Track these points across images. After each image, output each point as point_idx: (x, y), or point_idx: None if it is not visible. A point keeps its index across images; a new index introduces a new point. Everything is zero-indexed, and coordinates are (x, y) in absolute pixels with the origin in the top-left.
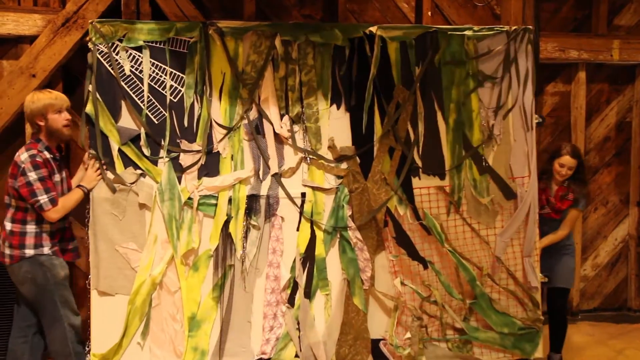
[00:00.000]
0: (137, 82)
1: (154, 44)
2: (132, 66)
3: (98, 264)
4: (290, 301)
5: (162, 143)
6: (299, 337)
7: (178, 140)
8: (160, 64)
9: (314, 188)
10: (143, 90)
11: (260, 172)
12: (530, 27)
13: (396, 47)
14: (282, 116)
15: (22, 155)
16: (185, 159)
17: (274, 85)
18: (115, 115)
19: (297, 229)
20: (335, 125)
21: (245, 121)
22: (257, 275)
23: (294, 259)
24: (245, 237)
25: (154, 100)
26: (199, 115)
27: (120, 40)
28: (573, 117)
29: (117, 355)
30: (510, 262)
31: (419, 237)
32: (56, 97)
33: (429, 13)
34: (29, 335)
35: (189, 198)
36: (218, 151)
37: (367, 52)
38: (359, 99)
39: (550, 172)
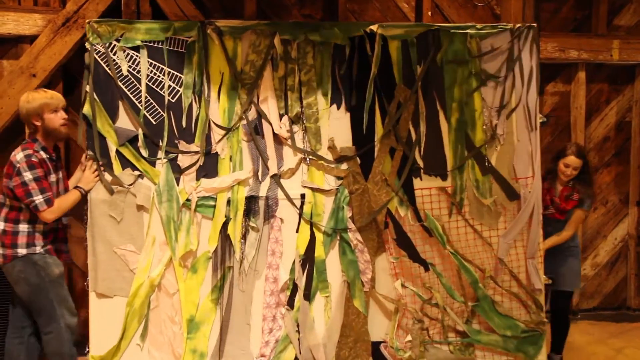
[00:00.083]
0: (135, 82)
1: (151, 44)
2: (129, 66)
3: (96, 266)
4: (290, 303)
5: (160, 144)
6: (298, 339)
7: (176, 141)
8: (158, 64)
9: (313, 189)
10: (141, 91)
11: (259, 173)
12: (534, 24)
13: (397, 45)
14: (281, 116)
15: (18, 155)
16: (183, 160)
17: (273, 85)
18: (113, 116)
19: (297, 231)
20: (335, 125)
21: (244, 121)
22: (256, 277)
23: (294, 261)
24: (244, 238)
25: (151, 100)
26: (197, 116)
27: (118, 40)
28: (573, 117)
29: (115, 357)
30: (514, 264)
31: (420, 238)
32: (52, 96)
33: (429, 13)
34: (24, 337)
35: (187, 199)
36: (216, 152)
37: (368, 51)
38: (360, 99)
39: (555, 172)
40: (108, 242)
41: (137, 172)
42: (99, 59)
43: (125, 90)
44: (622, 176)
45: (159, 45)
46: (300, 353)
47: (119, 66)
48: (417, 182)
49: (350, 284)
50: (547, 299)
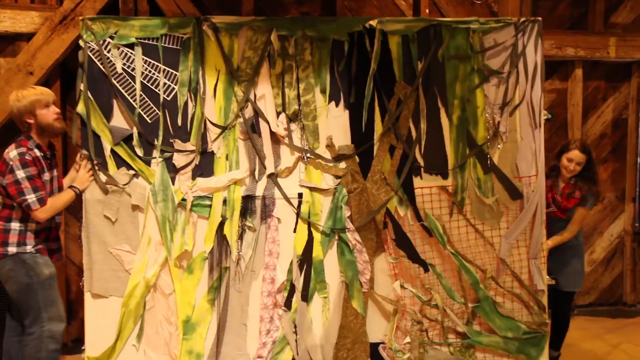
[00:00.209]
0: (130, 80)
1: (146, 41)
2: (124, 64)
3: (91, 266)
4: (287, 304)
5: (155, 143)
6: (295, 340)
7: (171, 140)
8: (153, 62)
9: (311, 188)
10: (135, 89)
11: (256, 172)
12: (539, 18)
13: (397, 41)
14: (278, 114)
15: (11, 153)
16: (178, 159)
17: (270, 82)
18: (108, 114)
19: (294, 231)
20: (333, 123)
21: (241, 120)
22: (253, 277)
23: (291, 261)
24: (241, 239)
25: (146, 98)
26: (193, 114)
27: (112, 38)
28: (570, 114)
29: (111, 357)
30: (516, 265)
31: (420, 239)
32: (42, 92)
33: (427, 10)
34: (22, 335)
35: (183, 199)
36: (212, 151)
37: (367, 47)
38: (359, 96)
39: (557, 169)
40: (103, 242)
41: (132, 172)
42: (93, 57)
43: (120, 88)
44: (618, 173)
45: (154, 43)
46: (297, 354)
47: (114, 64)
48: (417, 181)
49: (349, 284)
50: (549, 299)
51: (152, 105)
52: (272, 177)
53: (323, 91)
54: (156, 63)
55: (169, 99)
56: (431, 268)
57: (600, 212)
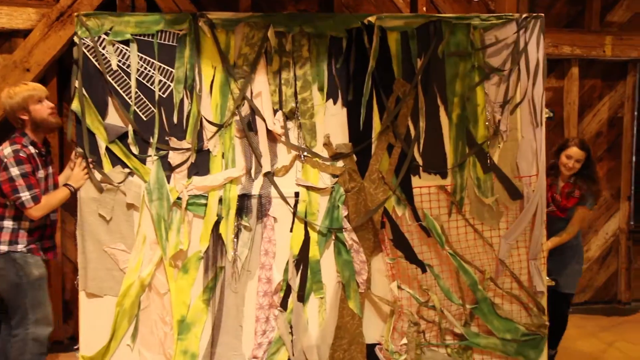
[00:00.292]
0: (125, 77)
1: (142, 37)
2: (119, 61)
3: (86, 265)
4: (283, 304)
5: (151, 141)
6: (291, 341)
7: (167, 138)
8: (148, 58)
9: (308, 187)
10: (131, 86)
11: (252, 171)
12: (542, 14)
13: (396, 37)
14: (275, 112)
15: (5, 150)
16: (174, 158)
17: (267, 79)
18: (103, 112)
19: (291, 230)
20: (331, 121)
21: (237, 117)
22: (249, 277)
23: (287, 261)
24: (237, 238)
25: (142, 96)
26: (189, 112)
27: (107, 34)
28: (566, 113)
29: (105, 357)
30: (515, 266)
31: (418, 239)
32: (34, 87)
33: (424, 8)
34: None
35: (178, 198)
36: (208, 149)
37: (366, 44)
38: (357, 94)
39: (557, 167)
40: (98, 241)
41: (127, 170)
42: (87, 54)
43: (115, 85)
44: (613, 171)
45: (150, 39)
46: (293, 355)
47: (109, 61)
48: (415, 180)
49: (345, 285)
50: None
51: (147, 102)
52: (269, 175)
53: (320, 89)
54: (152, 60)
55: (164, 96)
56: (429, 269)
57: (595, 210)
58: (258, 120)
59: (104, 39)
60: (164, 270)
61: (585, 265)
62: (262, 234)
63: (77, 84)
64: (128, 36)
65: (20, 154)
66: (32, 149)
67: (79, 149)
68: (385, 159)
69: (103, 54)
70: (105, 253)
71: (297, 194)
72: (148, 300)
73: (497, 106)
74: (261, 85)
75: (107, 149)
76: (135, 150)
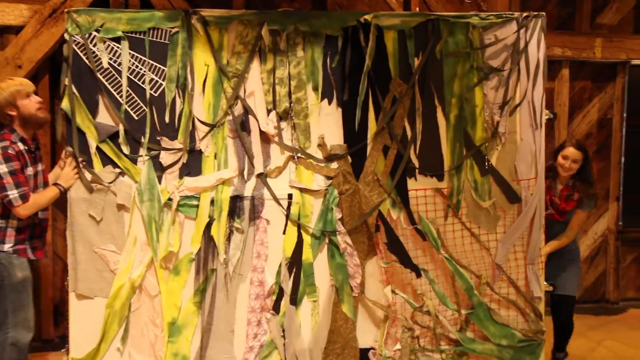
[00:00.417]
0: (116, 75)
1: (133, 35)
2: (110, 58)
3: (76, 266)
4: (276, 308)
5: (142, 140)
6: (284, 344)
7: (158, 138)
8: (140, 56)
9: (301, 189)
10: (122, 84)
11: (245, 172)
12: (543, 13)
13: (393, 36)
14: (269, 112)
15: None
16: (165, 158)
17: (261, 78)
18: (93, 111)
19: (283, 233)
20: (325, 121)
21: (230, 117)
22: (241, 280)
23: (280, 264)
24: (229, 240)
25: (133, 94)
26: (181, 111)
27: (98, 31)
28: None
29: (95, 359)
30: (512, 270)
31: (413, 243)
32: (21, 82)
33: (417, 9)
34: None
35: (169, 199)
36: (200, 149)
37: (362, 43)
38: (352, 94)
39: (554, 169)
40: (88, 242)
41: (117, 170)
42: (78, 51)
43: (106, 83)
44: (602, 172)
45: (141, 36)
46: (285, 359)
47: (99, 58)
48: (411, 183)
49: (339, 288)
50: (551, 305)
51: (138, 101)
52: (262, 177)
53: (315, 88)
54: (143, 58)
55: (156, 95)
56: (424, 273)
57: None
58: (251, 120)
59: (94, 36)
60: (154, 272)
61: None
62: (255, 236)
63: (67, 82)
64: (119, 33)
65: (9, 151)
66: (21, 146)
67: (69, 148)
68: (380, 161)
69: (94, 52)
70: (96, 254)
71: (290, 196)
72: (139, 302)
73: (496, 107)
74: (255, 84)
75: (98, 148)
76: (126, 150)
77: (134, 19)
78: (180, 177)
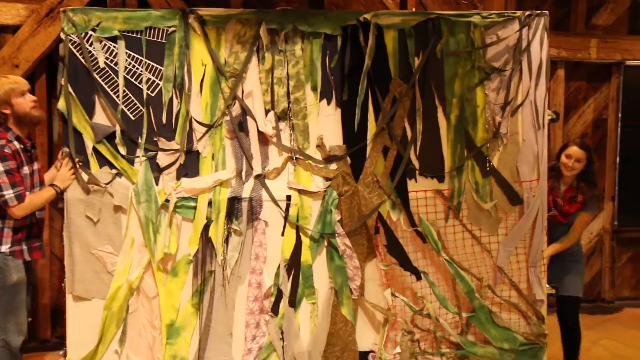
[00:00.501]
0: (112, 75)
1: (130, 34)
2: (106, 58)
3: (73, 267)
4: (274, 310)
5: (139, 141)
6: (282, 347)
7: (155, 138)
8: (136, 56)
9: (300, 191)
10: (118, 84)
11: (243, 173)
12: (546, 12)
13: (394, 36)
14: (267, 112)
15: None
16: (163, 159)
17: (259, 78)
18: (90, 111)
19: (282, 234)
20: (324, 122)
21: (228, 118)
22: (239, 282)
23: (278, 266)
24: (226, 242)
25: (130, 94)
26: (178, 111)
27: (94, 30)
28: None
29: None
30: (514, 273)
31: (413, 245)
32: (15, 80)
33: (413, 9)
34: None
35: (167, 200)
36: (198, 150)
37: (361, 42)
38: (352, 94)
39: (558, 169)
40: (85, 243)
41: (114, 171)
42: (74, 50)
43: (102, 83)
44: (598, 172)
45: (138, 36)
46: None
47: (96, 58)
48: (411, 184)
49: (338, 291)
50: (558, 311)
51: (135, 101)
52: (260, 178)
53: (314, 88)
54: (140, 57)
55: (153, 95)
56: (424, 276)
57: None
58: (249, 120)
59: (91, 35)
60: (152, 274)
61: None
62: (253, 238)
63: (63, 81)
64: (115, 32)
65: (5, 150)
66: (17, 144)
67: (66, 149)
68: (380, 162)
69: (90, 51)
70: (93, 255)
71: (288, 198)
72: (136, 303)
73: (498, 107)
74: (253, 84)
75: (95, 149)
76: (123, 150)
77: (130, 18)
78: (178, 178)
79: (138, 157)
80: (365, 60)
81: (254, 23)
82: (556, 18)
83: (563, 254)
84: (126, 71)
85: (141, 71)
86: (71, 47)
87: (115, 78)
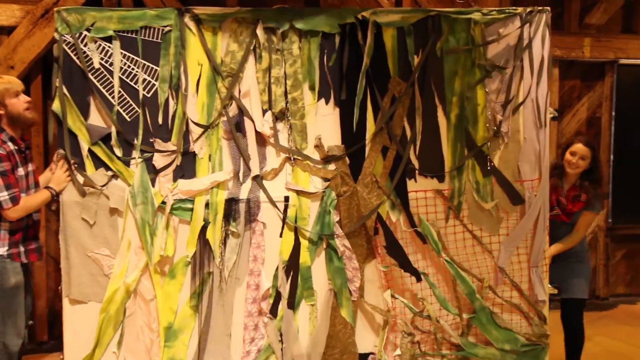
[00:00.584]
0: (108, 75)
1: (125, 34)
2: (101, 58)
3: (69, 270)
4: (273, 311)
5: (135, 142)
6: (281, 349)
7: (152, 140)
8: (132, 56)
9: (298, 192)
10: (114, 85)
11: (240, 174)
12: (547, 7)
13: (392, 33)
14: (264, 112)
15: None
16: (159, 160)
17: (256, 78)
18: (85, 112)
19: (280, 236)
20: (323, 122)
21: (224, 118)
22: (237, 284)
23: (277, 268)
24: (224, 244)
25: (125, 95)
26: (174, 112)
27: (89, 30)
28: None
29: None
30: (515, 273)
31: (413, 246)
32: (9, 81)
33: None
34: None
35: (163, 202)
36: (194, 151)
37: (360, 40)
38: (350, 93)
39: (561, 167)
40: (81, 246)
41: (110, 173)
42: (69, 51)
43: (97, 84)
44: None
45: (133, 36)
46: None
47: (90, 58)
48: (411, 184)
49: (337, 292)
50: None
51: (131, 102)
52: (257, 179)
53: (312, 88)
54: (135, 57)
55: (149, 96)
56: (424, 277)
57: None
58: (246, 121)
59: (85, 35)
60: (149, 276)
61: None
62: (251, 240)
63: (57, 82)
64: (110, 32)
65: (0, 151)
66: (11, 146)
67: (61, 151)
68: (379, 162)
69: (84, 52)
70: (89, 258)
71: (287, 199)
72: (134, 306)
73: (499, 106)
74: (250, 84)
75: (90, 150)
76: (118, 152)
77: (125, 18)
78: (174, 179)
79: (134, 158)
80: (364, 58)
81: (251, 22)
82: (551, 17)
83: (566, 254)
84: (121, 71)
85: (137, 71)
86: (65, 48)
87: (111, 79)
